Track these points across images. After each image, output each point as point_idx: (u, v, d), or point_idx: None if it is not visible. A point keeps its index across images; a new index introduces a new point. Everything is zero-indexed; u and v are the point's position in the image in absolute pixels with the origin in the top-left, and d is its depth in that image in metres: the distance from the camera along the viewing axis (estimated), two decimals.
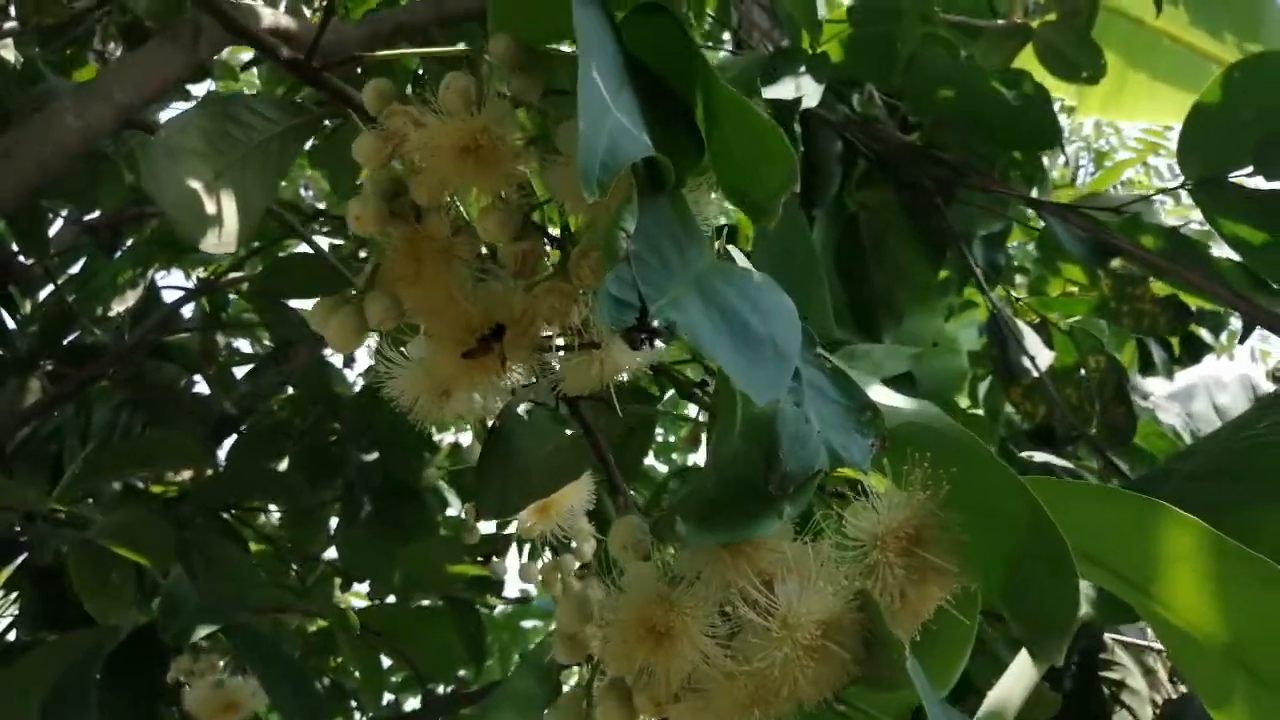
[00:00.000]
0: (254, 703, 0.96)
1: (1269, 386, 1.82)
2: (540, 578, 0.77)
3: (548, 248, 0.40)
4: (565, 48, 0.44)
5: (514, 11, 0.43)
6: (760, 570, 0.36)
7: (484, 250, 0.41)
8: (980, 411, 1.37)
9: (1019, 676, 0.87)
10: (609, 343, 0.41)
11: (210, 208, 0.50)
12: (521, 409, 0.50)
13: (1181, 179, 0.99)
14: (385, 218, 0.39)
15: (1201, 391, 1.75)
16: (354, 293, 0.40)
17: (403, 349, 0.45)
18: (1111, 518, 0.44)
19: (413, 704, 1.87)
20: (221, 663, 0.98)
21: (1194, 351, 1.58)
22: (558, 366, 0.43)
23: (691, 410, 0.85)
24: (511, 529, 0.88)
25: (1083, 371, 1.16)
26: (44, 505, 1.05)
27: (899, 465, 0.38)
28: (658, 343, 0.28)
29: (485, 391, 0.42)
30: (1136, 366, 1.48)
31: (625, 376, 0.42)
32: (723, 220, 0.42)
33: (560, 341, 0.43)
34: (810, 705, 0.36)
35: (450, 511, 1.75)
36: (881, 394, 0.42)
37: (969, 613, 0.44)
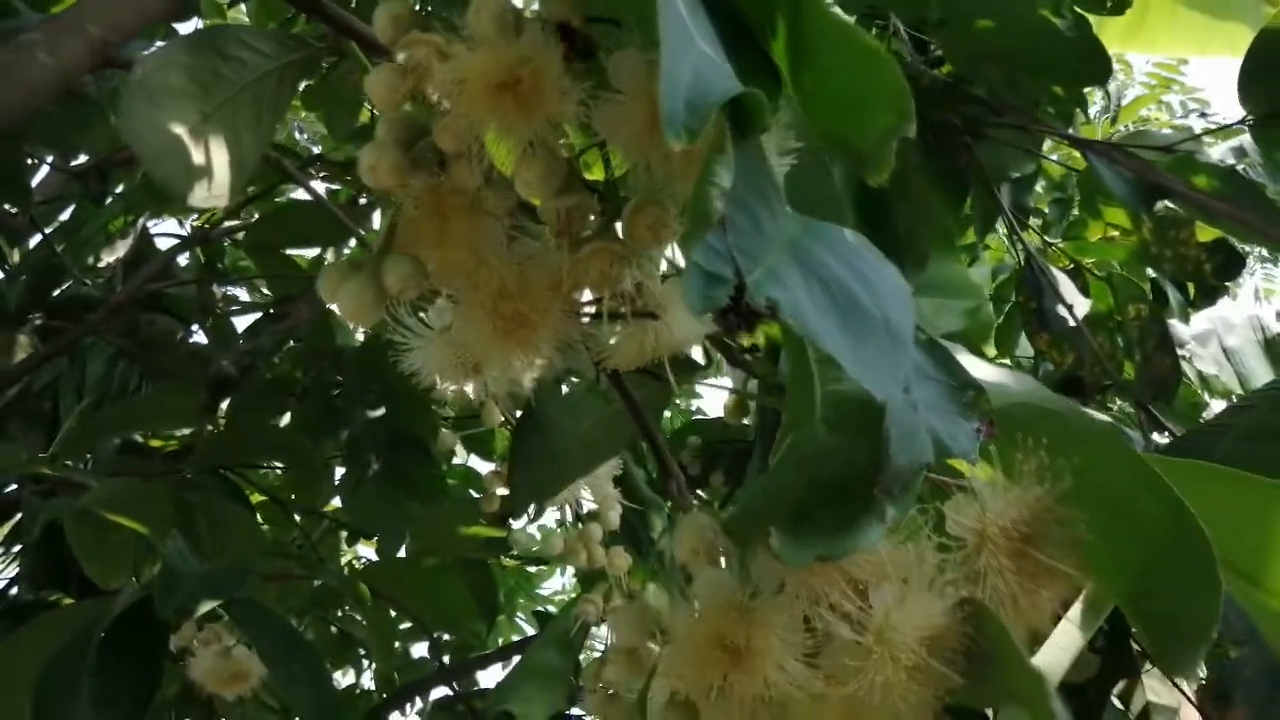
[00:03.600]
0: (262, 671, 0.92)
1: (1278, 327, 1.77)
2: (564, 547, 0.73)
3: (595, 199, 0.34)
4: None
5: None
6: (851, 576, 0.31)
7: (518, 203, 0.36)
8: (1007, 361, 1.32)
9: (1065, 643, 0.82)
10: (668, 311, 0.35)
11: (198, 156, 0.44)
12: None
13: (1214, 116, 0.92)
14: (404, 169, 0.33)
15: (1212, 335, 1.71)
16: (369, 256, 0.35)
17: (422, 315, 0.40)
18: (1224, 501, 0.39)
19: (420, 649, 1.85)
20: (227, 632, 0.93)
21: (1208, 293, 1.53)
22: (604, 337, 0.37)
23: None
24: None
25: (1119, 319, 1.10)
26: (36, 467, 1.00)
27: (1007, 452, 0.33)
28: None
29: (521, 365, 0.36)
30: None
31: (679, 346, 0.37)
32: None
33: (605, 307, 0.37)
34: None
35: (456, 460, 1.70)
36: (978, 368, 0.37)
37: None
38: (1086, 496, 0.32)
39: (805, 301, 0.25)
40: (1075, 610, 0.69)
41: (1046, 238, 1.27)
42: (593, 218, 0.35)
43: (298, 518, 1.61)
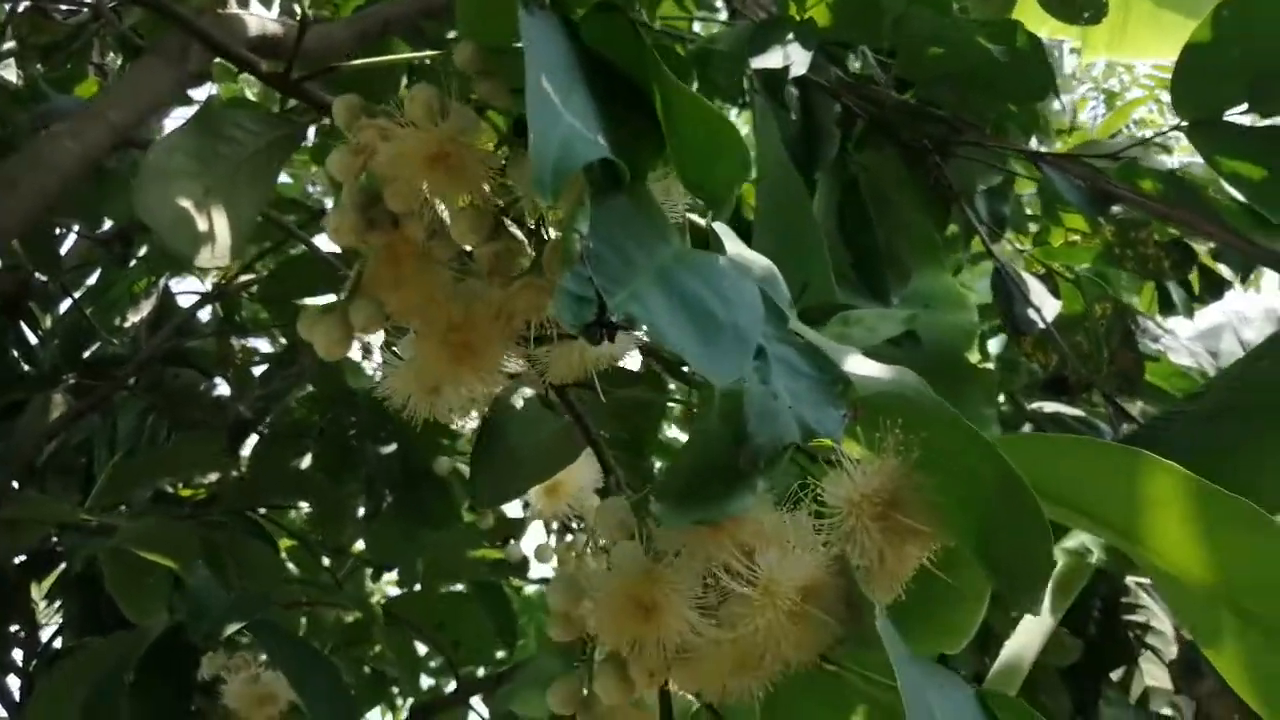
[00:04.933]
0: (290, 695, 0.98)
1: None
2: (556, 557, 0.79)
3: (525, 243, 0.42)
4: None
5: (477, 17, 0.44)
6: (741, 542, 0.38)
7: (464, 249, 0.43)
8: (990, 365, 1.37)
9: (1036, 626, 0.87)
10: None
11: (202, 225, 0.52)
12: (514, 399, 0.52)
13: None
14: (362, 228, 0.40)
15: (1227, 329, 1.72)
16: (339, 300, 0.42)
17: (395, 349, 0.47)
18: (1092, 468, 0.45)
19: (453, 686, 1.91)
20: (257, 658, 1.00)
21: (1214, 288, 1.56)
22: (542, 357, 0.44)
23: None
24: (524, 512, 0.90)
25: (1088, 320, 1.16)
26: (75, 517, 1.08)
27: (873, 433, 0.40)
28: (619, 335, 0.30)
29: (473, 386, 0.43)
30: (1156, 308, 1.47)
31: (608, 361, 0.44)
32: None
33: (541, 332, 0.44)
34: (796, 666, 0.37)
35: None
36: (859, 364, 0.43)
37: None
38: (935, 465, 0.39)
39: (661, 315, 0.32)
40: (1045, 593, 0.75)
41: (1018, 244, 1.33)
42: (526, 258, 0.42)
43: (326, 561, 1.69)
